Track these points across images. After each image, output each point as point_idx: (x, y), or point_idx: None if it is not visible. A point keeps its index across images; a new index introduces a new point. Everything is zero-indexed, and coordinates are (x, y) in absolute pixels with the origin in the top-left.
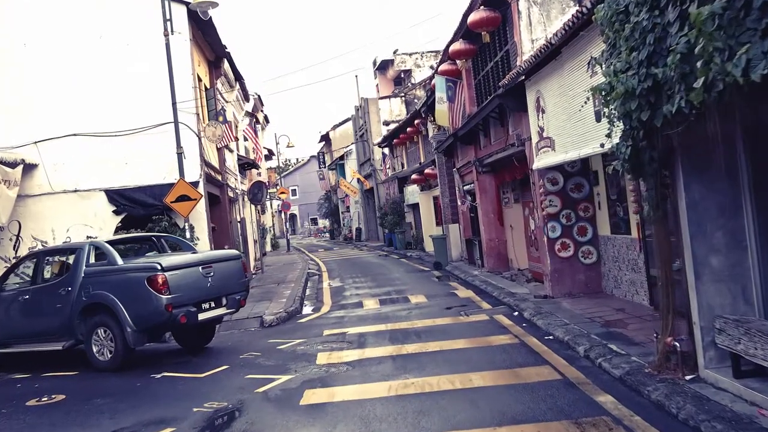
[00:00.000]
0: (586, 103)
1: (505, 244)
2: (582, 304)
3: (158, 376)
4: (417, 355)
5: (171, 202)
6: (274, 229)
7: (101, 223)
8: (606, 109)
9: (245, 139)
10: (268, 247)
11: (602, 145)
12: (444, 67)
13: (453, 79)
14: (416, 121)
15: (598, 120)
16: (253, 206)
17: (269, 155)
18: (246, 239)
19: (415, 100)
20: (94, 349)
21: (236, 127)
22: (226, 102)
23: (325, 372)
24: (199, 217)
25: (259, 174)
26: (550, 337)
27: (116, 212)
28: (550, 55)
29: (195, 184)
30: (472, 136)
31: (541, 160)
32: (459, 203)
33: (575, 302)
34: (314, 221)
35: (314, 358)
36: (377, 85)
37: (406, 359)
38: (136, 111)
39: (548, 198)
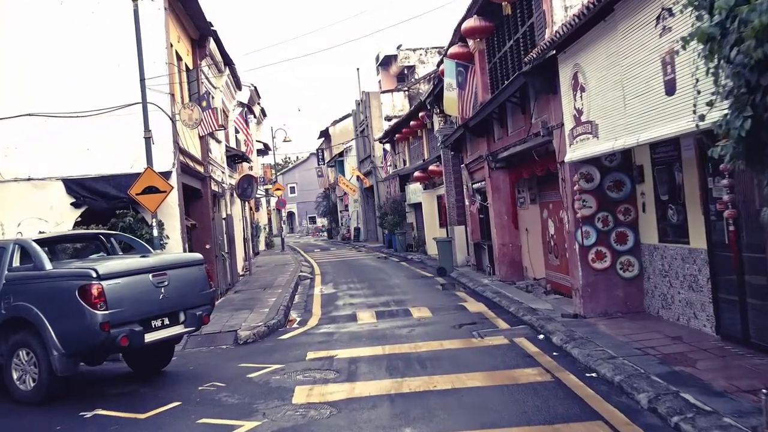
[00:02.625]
0: (667, 70)
1: (520, 249)
2: (624, 327)
3: (89, 414)
4: (422, 396)
5: (136, 195)
6: (270, 227)
7: (58, 217)
8: (711, 64)
9: (237, 131)
10: (262, 246)
11: (702, 117)
12: (454, 49)
13: (464, 63)
14: (421, 114)
15: (670, 93)
16: (244, 203)
17: (265, 150)
18: (232, 238)
19: (420, 92)
20: (14, 376)
21: (226, 116)
22: (214, 88)
23: (301, 417)
24: (170, 212)
25: (250, 168)
26: (593, 375)
27: (75, 205)
28: (598, 15)
29: (166, 175)
30: (484, 126)
31: (576, 151)
32: (467, 203)
33: (614, 325)
34: (312, 220)
35: (290, 395)
36: (380, 81)
37: (407, 401)
38: (102, 90)
39: (582, 198)
